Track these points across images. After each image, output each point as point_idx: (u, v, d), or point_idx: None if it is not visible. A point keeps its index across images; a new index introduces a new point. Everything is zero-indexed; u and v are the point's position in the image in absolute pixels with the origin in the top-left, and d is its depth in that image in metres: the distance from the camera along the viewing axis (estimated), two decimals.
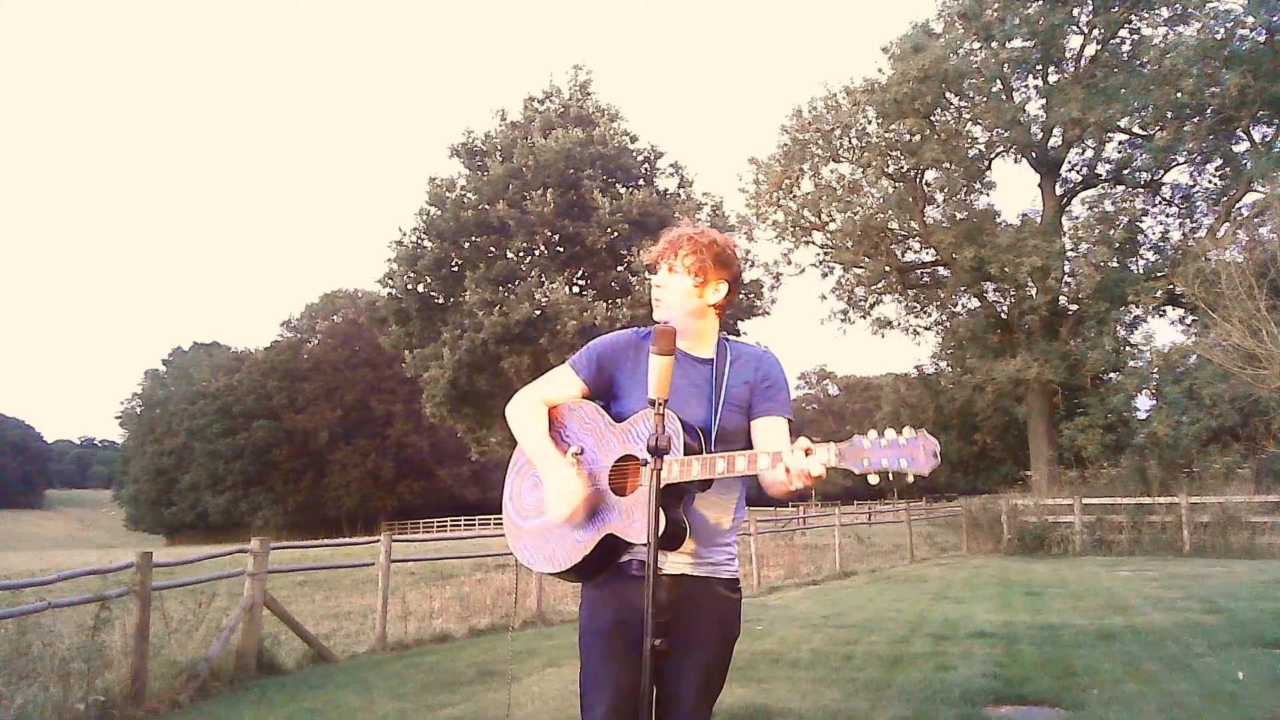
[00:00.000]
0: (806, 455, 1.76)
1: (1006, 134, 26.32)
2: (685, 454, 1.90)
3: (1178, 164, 26.04)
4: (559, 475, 2.02)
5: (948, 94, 26.68)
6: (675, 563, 2.01)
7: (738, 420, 2.08)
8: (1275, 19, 22.59)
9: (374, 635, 7.84)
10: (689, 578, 2.02)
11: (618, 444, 2.04)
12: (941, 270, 29.09)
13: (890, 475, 1.71)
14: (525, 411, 2.18)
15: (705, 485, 1.98)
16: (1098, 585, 10.90)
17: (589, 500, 2.00)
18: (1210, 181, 26.55)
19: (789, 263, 30.63)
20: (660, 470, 1.81)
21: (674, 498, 1.92)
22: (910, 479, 1.70)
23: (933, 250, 28.44)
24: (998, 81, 26.44)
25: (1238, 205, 24.77)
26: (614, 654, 1.98)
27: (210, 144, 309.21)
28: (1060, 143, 26.58)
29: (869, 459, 1.72)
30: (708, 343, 2.16)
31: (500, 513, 2.26)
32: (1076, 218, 27.30)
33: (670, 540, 1.92)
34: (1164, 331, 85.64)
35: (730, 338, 2.21)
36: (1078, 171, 27.95)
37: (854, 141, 28.51)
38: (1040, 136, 26.75)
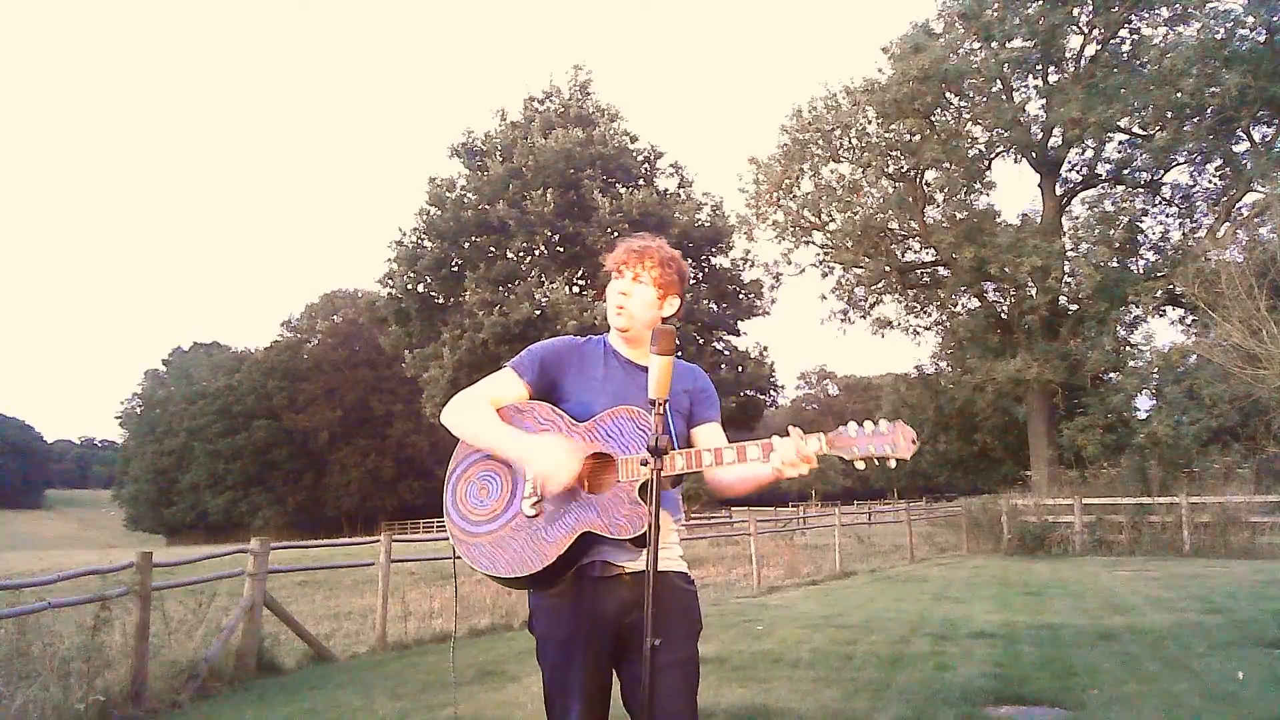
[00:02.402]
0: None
1: (1006, 134, 26.33)
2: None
3: (1178, 164, 26.11)
4: (543, 445, 1.93)
5: (948, 94, 26.69)
6: (636, 561, 1.97)
7: (681, 426, 2.13)
8: (1275, 19, 22.60)
9: (374, 635, 7.84)
10: (653, 573, 2.02)
11: (583, 442, 1.99)
12: (941, 270, 29.10)
13: (876, 460, 1.86)
14: (471, 409, 2.06)
15: (677, 481, 2.06)
16: (1098, 585, 10.89)
17: (560, 496, 1.94)
18: (1210, 181, 26.61)
19: (789, 263, 30.73)
20: (661, 470, 1.81)
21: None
22: (893, 464, 1.87)
23: (933, 250, 28.46)
24: (998, 81, 26.45)
25: (1238, 205, 24.81)
26: (580, 660, 1.96)
27: (211, 144, 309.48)
28: (1060, 143, 26.58)
29: (857, 446, 1.87)
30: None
31: None
32: (1076, 218, 27.36)
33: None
34: (1164, 331, 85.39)
35: None
36: (1078, 171, 27.99)
37: (854, 141, 28.54)
38: (1040, 136, 26.76)
